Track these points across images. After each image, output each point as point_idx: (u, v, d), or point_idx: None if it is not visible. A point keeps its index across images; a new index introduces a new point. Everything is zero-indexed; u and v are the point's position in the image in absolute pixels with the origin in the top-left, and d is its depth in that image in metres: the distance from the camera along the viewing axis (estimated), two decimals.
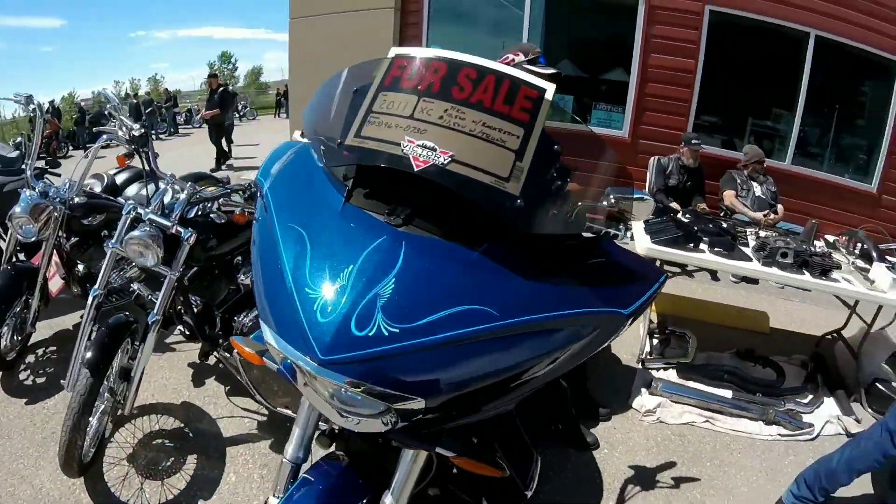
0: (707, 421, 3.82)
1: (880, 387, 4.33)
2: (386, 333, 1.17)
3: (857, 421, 4.04)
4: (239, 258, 3.30)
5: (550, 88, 1.46)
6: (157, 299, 2.71)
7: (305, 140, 1.91)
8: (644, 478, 3.11)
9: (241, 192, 3.08)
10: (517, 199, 1.33)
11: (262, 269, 1.44)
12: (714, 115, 8.28)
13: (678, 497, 3.00)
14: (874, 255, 4.45)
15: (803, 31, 7.50)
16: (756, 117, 8.42)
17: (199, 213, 3.10)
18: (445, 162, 1.32)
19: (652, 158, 7.24)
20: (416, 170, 1.32)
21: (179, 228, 2.66)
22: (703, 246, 4.16)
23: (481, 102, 1.39)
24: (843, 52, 7.60)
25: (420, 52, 1.58)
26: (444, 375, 1.27)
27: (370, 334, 1.17)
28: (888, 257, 4.60)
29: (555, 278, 1.40)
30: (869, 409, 4.26)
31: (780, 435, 3.75)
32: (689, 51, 7.57)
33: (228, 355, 2.95)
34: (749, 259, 4.16)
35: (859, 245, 4.68)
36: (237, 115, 19.37)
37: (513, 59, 2.78)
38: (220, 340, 3.01)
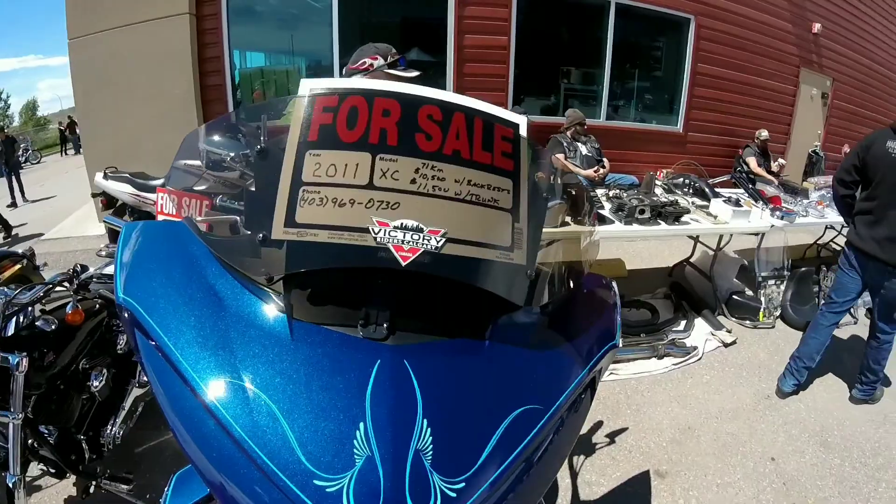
0: (610, 374, 4.17)
1: (737, 298, 5.18)
2: (453, 495, 0.87)
3: (728, 331, 4.75)
4: (84, 362, 2.56)
5: (523, 122, 1.22)
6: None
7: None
8: (582, 444, 3.14)
9: (66, 284, 2.46)
10: (526, 269, 1.11)
11: (196, 457, 0.93)
12: (531, 87, 8.66)
13: (619, 449, 3.24)
14: (709, 192, 5.25)
15: (604, 0, 8.24)
16: (570, 82, 9.09)
17: (22, 325, 2.30)
18: (439, 245, 1.02)
19: None
20: (404, 265, 1.00)
21: (2, 354, 2.05)
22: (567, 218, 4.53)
23: (458, 153, 1.09)
24: (640, 14, 8.52)
25: (347, 85, 1.17)
26: (529, 497, 1.03)
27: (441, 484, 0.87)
28: (717, 190, 5.45)
29: (555, 340, 1.20)
30: (733, 319, 5.08)
31: (673, 365, 4.26)
32: (502, 28, 7.95)
33: (114, 483, 2.40)
34: (611, 221, 4.54)
35: (693, 184, 5.44)
36: (20, 162, 14.89)
37: (371, 65, 2.43)
38: (98, 468, 2.44)
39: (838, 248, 6.32)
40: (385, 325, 1.01)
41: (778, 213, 5.30)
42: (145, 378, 2.46)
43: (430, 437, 0.90)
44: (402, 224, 1.01)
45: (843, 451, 3.37)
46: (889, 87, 12.32)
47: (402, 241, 1.00)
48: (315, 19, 7.58)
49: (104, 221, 4.63)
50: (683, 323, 4.90)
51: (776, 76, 9.87)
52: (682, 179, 5.56)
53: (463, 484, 0.88)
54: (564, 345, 1.19)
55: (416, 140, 1.07)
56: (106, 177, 5.06)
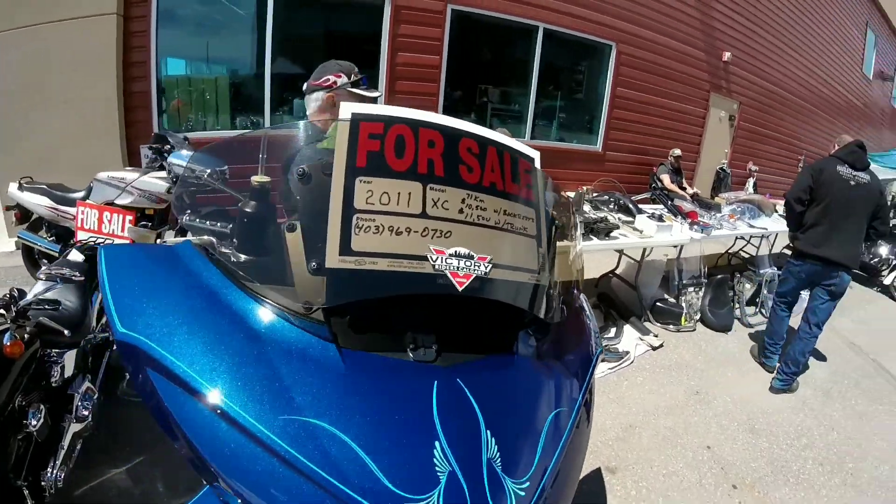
0: None
1: (661, 304, 5.64)
2: (522, 494, 0.97)
3: (655, 335, 5.18)
4: (19, 399, 2.21)
5: (536, 156, 1.32)
6: None
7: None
8: None
9: (2, 311, 2.19)
10: (550, 289, 1.21)
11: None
12: (460, 105, 8.86)
13: None
14: (633, 208, 5.72)
15: (533, 25, 8.69)
16: (497, 102, 9.47)
17: None
18: (487, 270, 1.09)
19: None
20: (460, 290, 1.05)
21: None
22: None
23: (495, 185, 1.16)
24: (566, 39, 9.02)
25: (391, 113, 1.15)
26: (570, 488, 1.16)
27: (517, 489, 0.97)
28: (640, 206, 5.95)
29: (564, 349, 1.34)
30: (658, 324, 5.53)
31: (609, 370, 4.59)
32: (434, 47, 8.14)
33: None
34: None
35: (617, 201, 5.90)
36: None
37: (334, 82, 2.37)
38: None
39: (747, 256, 6.96)
40: (434, 348, 1.06)
41: (696, 226, 5.87)
42: (85, 412, 2.23)
43: (496, 447, 0.98)
44: (455, 252, 1.05)
45: (770, 436, 3.82)
46: (787, 108, 13.49)
47: (458, 268, 1.04)
48: (247, 29, 7.43)
49: (18, 237, 4.18)
50: (613, 330, 5.27)
51: (688, 100, 10.67)
52: (606, 197, 6.00)
53: (528, 483, 0.98)
54: (572, 353, 1.35)
55: (459, 171, 1.11)
56: (21, 188, 4.60)
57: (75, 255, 3.05)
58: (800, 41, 13.12)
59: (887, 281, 8.46)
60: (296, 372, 0.99)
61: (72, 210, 4.11)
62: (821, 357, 5.35)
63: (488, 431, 0.98)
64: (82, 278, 2.73)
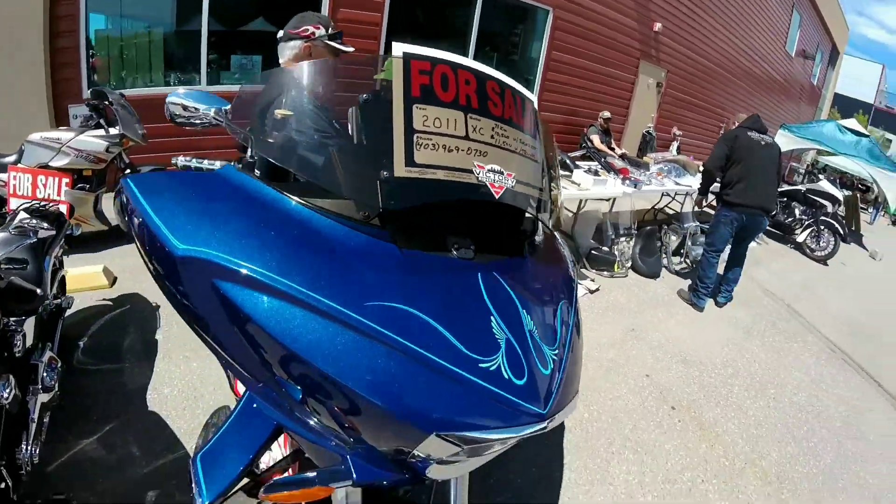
0: None
1: (595, 253, 5.91)
2: (556, 359, 1.19)
3: (592, 280, 5.43)
4: None
5: (534, 98, 1.50)
6: None
7: (182, 160, 1.49)
8: None
9: None
10: (550, 203, 1.45)
11: (371, 374, 1.01)
12: None
13: None
14: (570, 164, 5.92)
15: None
16: None
17: None
18: (513, 185, 1.29)
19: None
20: (496, 197, 1.25)
21: None
22: None
23: (512, 119, 1.36)
24: (505, 3, 9.05)
25: (435, 55, 1.32)
26: (579, 366, 1.36)
27: (552, 368, 1.17)
28: (578, 163, 6.15)
29: (557, 256, 1.58)
30: (593, 271, 5.78)
31: None
32: (376, 5, 8.06)
33: None
34: None
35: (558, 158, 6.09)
36: None
37: (312, 33, 2.41)
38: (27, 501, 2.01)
39: (671, 213, 7.32)
40: (472, 248, 1.26)
41: (628, 181, 6.13)
42: (51, 382, 2.12)
43: (532, 322, 1.18)
44: (492, 168, 1.26)
45: (701, 366, 4.12)
46: (712, 78, 14.07)
47: (494, 181, 1.26)
48: None
49: None
50: None
51: (619, 66, 10.96)
52: None
53: (557, 349, 1.22)
54: (563, 259, 1.59)
55: (488, 106, 1.32)
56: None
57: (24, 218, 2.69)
58: (728, 17, 13.64)
59: (800, 238, 9.09)
60: (368, 267, 1.12)
61: (2, 176, 3.81)
62: (741, 302, 5.73)
63: (524, 310, 1.19)
64: (52, 231, 2.56)
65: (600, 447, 2.92)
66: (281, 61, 2.45)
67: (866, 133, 12.28)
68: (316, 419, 1.10)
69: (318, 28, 2.43)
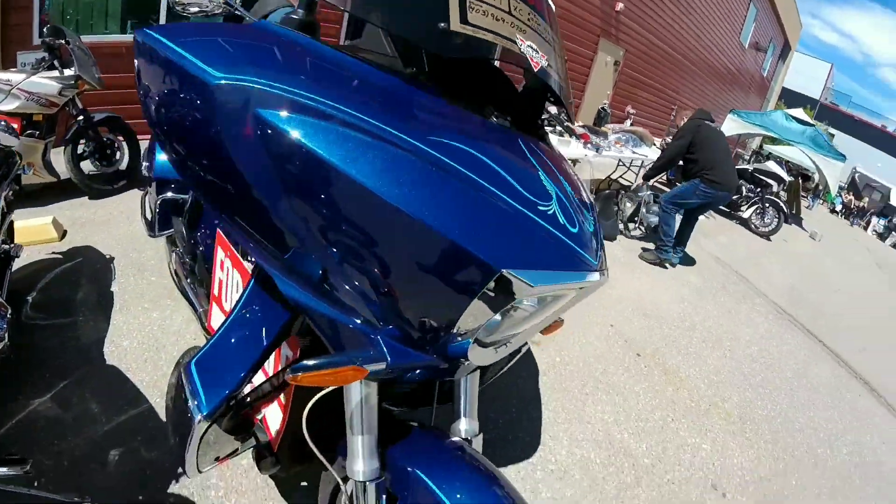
0: None
1: None
2: (595, 222, 1.26)
3: None
4: None
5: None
6: None
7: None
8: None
9: None
10: (567, 91, 1.47)
11: (439, 208, 0.95)
12: None
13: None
14: None
15: None
16: None
17: None
18: (547, 65, 1.31)
19: None
20: (535, 70, 1.25)
21: None
22: None
23: (543, 13, 1.42)
24: None
25: None
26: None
27: (594, 228, 1.23)
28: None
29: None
30: None
31: None
32: None
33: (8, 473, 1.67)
34: None
35: None
36: None
37: None
38: None
39: (627, 183, 7.41)
40: (508, 119, 1.35)
41: (589, 145, 6.14)
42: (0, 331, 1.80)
43: (565, 182, 1.23)
44: (530, 44, 1.26)
45: (660, 319, 4.18)
46: (667, 62, 14.27)
47: (533, 56, 1.25)
48: None
49: None
50: None
51: (579, 41, 10.93)
52: None
53: (592, 215, 1.27)
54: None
55: None
56: None
57: None
58: (688, 3, 13.83)
59: (745, 215, 9.39)
60: (420, 110, 1.11)
61: None
62: (693, 268, 5.87)
63: (561, 176, 1.24)
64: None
65: (575, 389, 2.92)
66: None
67: (812, 123, 12.76)
68: (347, 290, 1.01)
69: None
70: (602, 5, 10.98)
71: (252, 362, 1.21)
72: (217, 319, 1.78)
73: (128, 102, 4.71)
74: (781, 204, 9.20)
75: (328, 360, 1.00)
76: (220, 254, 1.70)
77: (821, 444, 3.13)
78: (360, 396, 1.14)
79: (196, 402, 1.17)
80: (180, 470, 1.60)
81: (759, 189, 9.55)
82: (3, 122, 3.46)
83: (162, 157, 2.31)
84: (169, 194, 2.31)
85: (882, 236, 20.01)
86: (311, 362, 1.00)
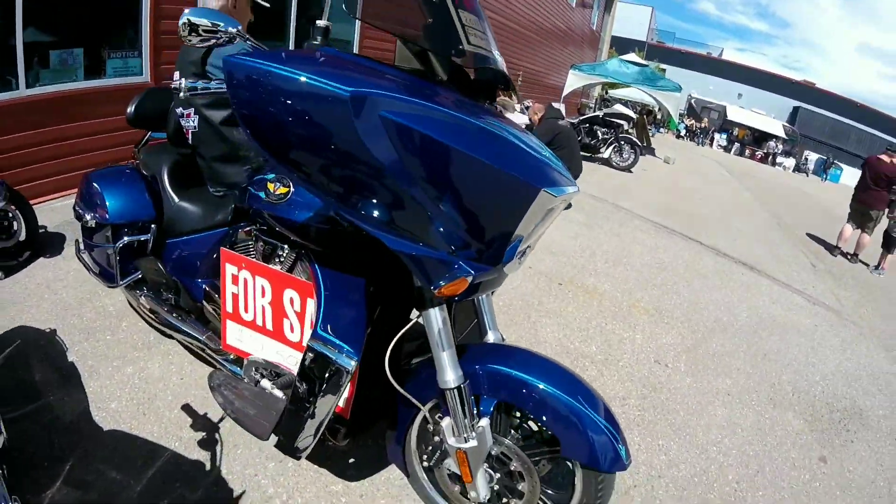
0: None
1: None
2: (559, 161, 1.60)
3: None
4: None
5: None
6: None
7: (187, 83, 1.43)
8: None
9: None
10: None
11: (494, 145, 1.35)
12: None
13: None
14: None
15: None
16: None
17: None
18: (502, 61, 1.64)
19: None
20: (502, 67, 1.61)
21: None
22: None
23: (479, 16, 1.64)
24: None
25: None
26: None
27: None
28: None
29: None
30: None
31: None
32: None
33: None
34: None
35: None
36: None
37: None
38: None
39: None
40: (494, 104, 1.62)
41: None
42: None
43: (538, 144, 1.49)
44: (497, 52, 1.61)
45: (565, 255, 4.67)
46: (509, 36, 15.10)
47: (498, 59, 1.58)
48: None
49: None
50: None
51: None
52: None
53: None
54: None
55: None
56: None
57: None
58: None
59: (605, 154, 10.36)
60: (453, 103, 1.36)
61: None
62: (576, 208, 6.41)
63: (525, 138, 1.46)
64: None
65: (523, 321, 3.31)
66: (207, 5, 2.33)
67: (645, 63, 14.05)
68: (436, 232, 1.29)
69: None
70: None
71: (364, 314, 1.52)
72: (235, 335, 1.89)
73: (8, 168, 4.31)
74: (634, 139, 10.19)
75: (451, 278, 1.31)
76: (229, 270, 1.83)
77: (724, 314, 3.82)
78: (440, 318, 1.45)
79: (344, 354, 1.46)
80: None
81: (612, 130, 10.48)
82: None
83: (112, 201, 2.26)
84: (126, 239, 2.23)
85: (727, 149, 22.25)
86: (443, 282, 1.30)
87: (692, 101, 28.48)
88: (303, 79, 1.21)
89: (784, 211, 10.35)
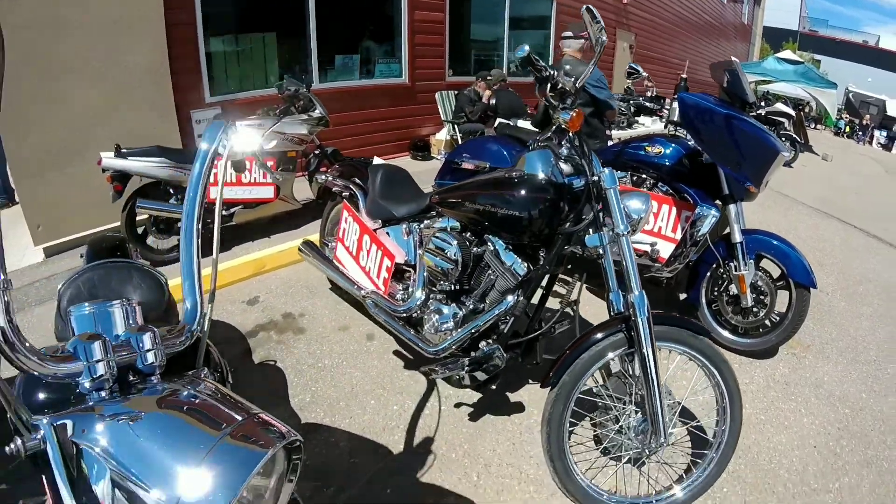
0: None
1: None
2: None
3: None
4: None
5: None
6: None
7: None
8: None
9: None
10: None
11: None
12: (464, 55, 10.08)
13: None
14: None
15: None
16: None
17: None
18: None
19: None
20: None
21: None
22: None
23: None
24: None
25: None
26: None
27: None
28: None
29: None
30: None
31: None
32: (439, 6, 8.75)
33: None
34: None
35: None
36: None
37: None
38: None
39: None
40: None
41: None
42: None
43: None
44: None
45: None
46: (667, 35, 16.68)
47: None
48: None
49: (140, 207, 3.94)
50: None
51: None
52: None
53: None
54: None
55: None
56: (121, 155, 3.84)
57: None
58: None
59: None
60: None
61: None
62: None
63: None
64: None
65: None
66: (567, 52, 4.11)
67: (800, 60, 15.06)
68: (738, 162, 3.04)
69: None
70: (613, 3, 13.34)
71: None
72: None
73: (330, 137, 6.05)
74: (794, 136, 11.46)
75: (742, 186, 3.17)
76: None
77: (870, 274, 5.42)
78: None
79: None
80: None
81: (774, 127, 11.68)
82: (268, 164, 4.27)
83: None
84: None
85: (886, 147, 21.21)
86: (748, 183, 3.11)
87: (850, 95, 27.42)
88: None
89: None
